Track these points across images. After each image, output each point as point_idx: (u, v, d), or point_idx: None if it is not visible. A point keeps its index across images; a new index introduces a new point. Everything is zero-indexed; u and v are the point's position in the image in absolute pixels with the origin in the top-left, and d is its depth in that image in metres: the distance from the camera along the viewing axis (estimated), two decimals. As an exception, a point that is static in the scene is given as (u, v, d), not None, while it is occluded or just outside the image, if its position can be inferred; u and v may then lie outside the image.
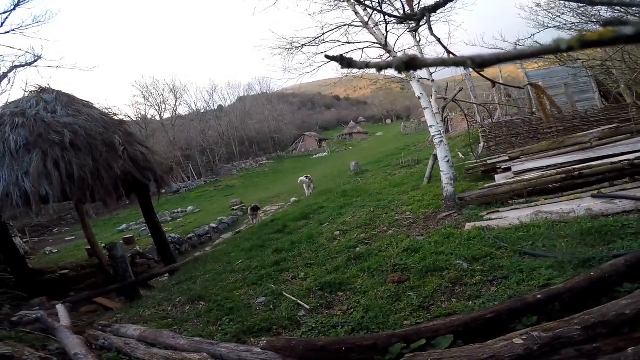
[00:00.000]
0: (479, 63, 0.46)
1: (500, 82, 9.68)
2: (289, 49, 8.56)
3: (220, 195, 22.98)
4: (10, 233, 7.06)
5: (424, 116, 7.52)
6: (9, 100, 7.07)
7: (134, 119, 33.10)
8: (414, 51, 8.11)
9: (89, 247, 8.01)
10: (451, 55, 1.47)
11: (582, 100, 12.86)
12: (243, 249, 6.33)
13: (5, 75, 11.31)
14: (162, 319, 3.86)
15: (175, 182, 27.39)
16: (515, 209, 4.98)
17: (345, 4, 7.76)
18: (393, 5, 7.74)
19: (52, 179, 5.25)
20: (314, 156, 39.07)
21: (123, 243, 7.95)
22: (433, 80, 9.28)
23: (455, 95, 9.43)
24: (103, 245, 8.06)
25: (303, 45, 8.38)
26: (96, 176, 5.65)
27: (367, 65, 0.62)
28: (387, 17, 6.30)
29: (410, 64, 0.49)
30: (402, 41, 17.36)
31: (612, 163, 5.15)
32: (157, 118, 38.13)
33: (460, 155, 12.19)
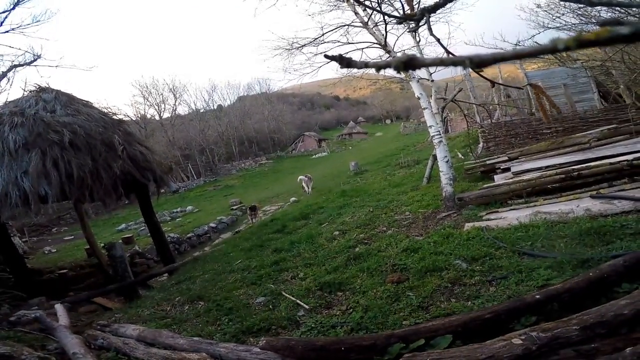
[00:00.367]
0: (477, 63, 0.46)
1: (500, 82, 9.69)
2: (289, 49, 8.57)
3: (220, 195, 22.95)
4: (9, 233, 7.04)
5: (424, 116, 7.52)
6: (8, 100, 7.06)
7: (133, 119, 33.08)
8: (413, 51, 8.11)
9: (88, 246, 8.00)
10: (450, 56, 1.47)
11: (582, 101, 12.88)
12: (242, 248, 6.34)
13: (4, 74, 11.30)
14: (161, 319, 3.86)
15: (175, 182, 27.37)
16: (514, 209, 4.99)
17: (345, 4, 7.76)
18: (392, 5, 7.75)
19: (51, 179, 5.25)
20: (314, 156, 39.06)
21: (122, 243, 7.94)
22: (432, 81, 9.28)
23: (455, 96, 9.44)
24: (102, 244, 8.05)
25: (303, 45, 8.39)
26: (95, 176, 5.64)
27: (366, 65, 0.62)
28: (386, 17, 6.31)
29: (409, 63, 0.50)
30: (402, 41, 17.41)
31: (611, 163, 5.16)
32: (157, 118, 38.10)
33: (460, 156, 12.20)
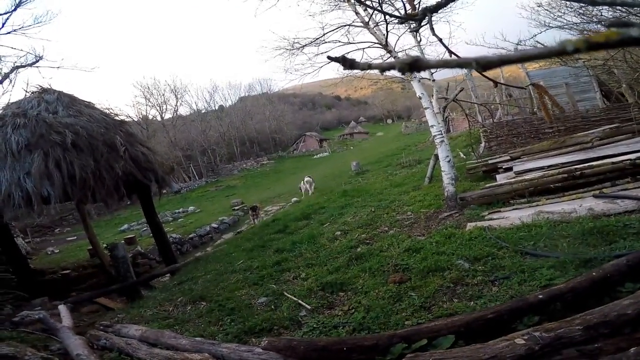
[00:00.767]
0: (484, 65, 0.45)
1: (502, 82, 9.67)
2: (290, 49, 8.57)
3: (221, 195, 22.98)
4: (12, 233, 7.07)
5: (425, 116, 7.51)
6: (11, 101, 7.09)
7: (135, 120, 33.12)
8: (414, 51, 8.11)
9: (91, 247, 8.04)
10: (453, 56, 1.46)
11: (584, 100, 12.83)
12: (244, 249, 6.34)
13: (6, 75, 11.34)
14: (163, 319, 3.87)
15: (177, 182, 27.41)
16: (517, 208, 4.97)
17: (346, 4, 7.76)
18: (393, 5, 7.74)
19: (53, 180, 5.27)
20: (315, 156, 39.05)
21: (124, 243, 7.96)
22: (434, 80, 9.27)
23: (456, 95, 9.43)
24: (104, 245, 8.08)
25: (304, 45, 8.39)
26: (97, 176, 5.66)
27: (369, 66, 0.61)
28: (388, 17, 6.30)
29: (413, 65, 0.49)
30: (403, 41, 17.43)
31: (613, 163, 5.14)
32: (158, 118, 38.12)
33: (462, 155, 12.17)
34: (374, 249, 4.53)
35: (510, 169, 7.14)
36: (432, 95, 8.65)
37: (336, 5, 8.03)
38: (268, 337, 2.84)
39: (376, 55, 9.95)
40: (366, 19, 7.25)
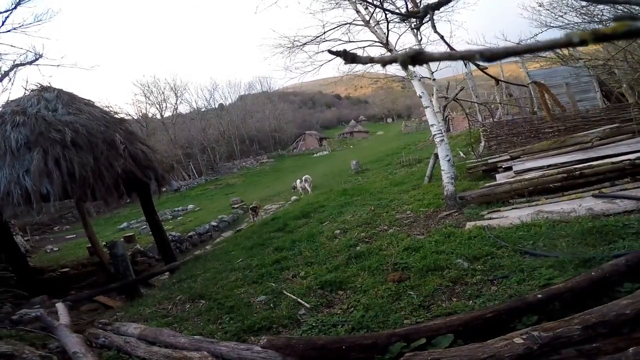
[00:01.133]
0: (488, 57, 0.45)
1: (504, 80, 9.64)
2: (290, 47, 8.55)
3: (221, 193, 22.98)
4: (11, 231, 7.07)
5: (425, 115, 7.51)
6: (10, 99, 7.08)
7: (135, 118, 33.17)
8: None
9: (90, 245, 8.03)
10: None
11: (584, 100, 12.82)
12: (243, 247, 6.34)
13: (6, 73, 11.32)
14: (162, 318, 3.87)
15: (176, 181, 27.40)
16: (516, 208, 4.98)
17: (347, 2, 7.74)
18: (394, 4, 7.72)
19: (53, 177, 5.26)
20: (315, 155, 39.04)
21: (124, 241, 7.95)
22: (434, 79, 9.26)
23: (457, 94, 9.42)
24: (104, 243, 8.08)
25: (304, 43, 8.37)
26: (97, 174, 5.65)
27: (371, 60, 0.60)
28: (389, 14, 6.27)
29: (416, 58, 0.48)
30: (403, 40, 17.40)
31: (613, 163, 5.14)
32: (158, 116, 38.12)
33: (461, 155, 12.17)
34: (373, 248, 4.53)
35: (509, 168, 7.14)
36: (432, 94, 8.64)
37: (337, 4, 8.02)
38: (267, 335, 2.83)
39: (376, 54, 9.93)
40: (367, 18, 7.23)
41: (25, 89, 6.84)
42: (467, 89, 13.89)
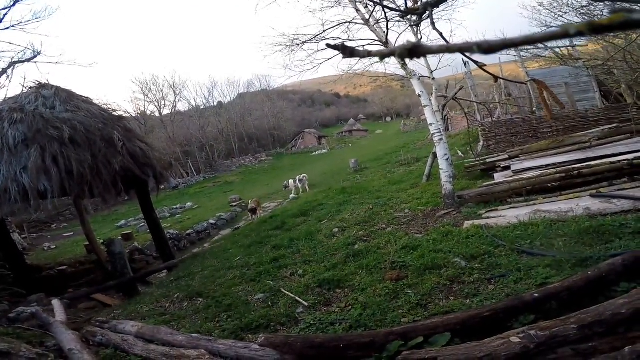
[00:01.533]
0: (486, 49, 0.44)
1: (503, 77, 9.65)
2: (289, 45, 8.53)
3: (219, 191, 22.95)
4: (8, 229, 7.04)
5: (424, 114, 7.51)
6: (8, 96, 7.04)
7: (133, 115, 33.07)
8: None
9: (88, 243, 8.01)
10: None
11: (583, 100, 12.84)
12: (242, 245, 6.34)
13: (4, 71, 11.27)
14: (160, 316, 3.86)
15: (174, 178, 27.36)
16: (514, 207, 4.99)
17: (347, 0, 7.72)
18: (395, 3, 7.70)
19: (50, 175, 5.24)
20: (314, 153, 39.04)
21: (121, 239, 7.94)
22: (434, 78, 9.26)
23: (456, 94, 9.42)
24: (101, 241, 8.06)
25: (304, 42, 8.36)
26: (95, 172, 5.63)
27: (369, 53, 0.60)
28: (389, 12, 6.25)
29: (414, 50, 0.48)
30: (403, 39, 17.30)
31: (611, 163, 5.15)
32: (157, 114, 37.98)
33: (460, 154, 12.19)
34: (372, 246, 4.53)
35: (508, 167, 7.16)
36: (432, 94, 8.64)
37: (337, 2, 8.00)
38: (265, 333, 2.84)
39: (376, 52, 9.89)
40: (366, 16, 7.22)
41: (23, 87, 6.84)
42: (466, 89, 13.89)
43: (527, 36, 0.45)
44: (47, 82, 6.72)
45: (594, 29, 0.39)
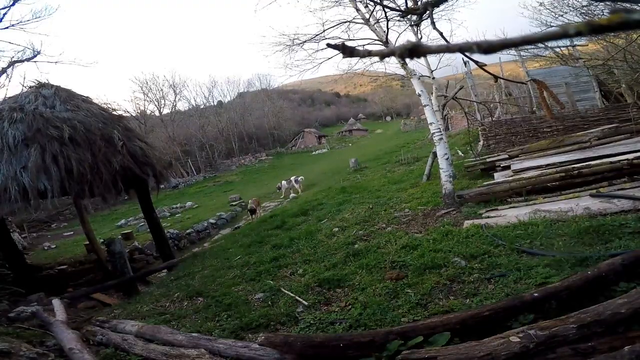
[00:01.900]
0: (485, 48, 0.44)
1: (503, 77, 9.64)
2: (289, 45, 8.53)
3: (219, 191, 22.94)
4: (8, 228, 7.04)
5: (424, 114, 7.50)
6: (8, 96, 7.04)
7: (133, 114, 33.04)
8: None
9: (87, 242, 8.01)
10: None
11: (583, 100, 12.83)
12: (242, 244, 6.34)
13: (4, 70, 11.25)
14: (160, 315, 3.86)
15: (174, 178, 27.35)
16: (514, 207, 4.99)
17: (347, 0, 7.71)
18: (395, 2, 7.70)
19: (50, 174, 5.24)
20: (314, 153, 39.04)
21: (121, 238, 7.94)
22: (434, 78, 9.25)
23: (456, 93, 9.41)
24: (101, 240, 8.06)
25: (304, 41, 8.35)
26: (95, 171, 5.63)
27: (369, 53, 0.60)
28: (389, 12, 6.25)
29: (414, 50, 0.48)
30: (403, 38, 17.29)
31: (611, 162, 5.16)
32: (157, 113, 37.96)
33: (460, 153, 12.19)
34: (372, 246, 4.53)
35: (508, 167, 7.16)
36: (432, 93, 8.63)
37: (337, 2, 7.99)
38: (265, 333, 2.84)
39: (376, 52, 9.89)
40: (367, 16, 7.21)
41: (23, 86, 6.83)
42: (466, 88, 13.88)
43: (526, 36, 0.45)
44: (47, 82, 6.72)
45: (593, 29, 0.39)
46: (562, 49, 13.17)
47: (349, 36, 8.09)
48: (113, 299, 6.05)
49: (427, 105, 6.61)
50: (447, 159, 6.36)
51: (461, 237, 4.07)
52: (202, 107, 44.95)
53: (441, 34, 1.62)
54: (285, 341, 2.33)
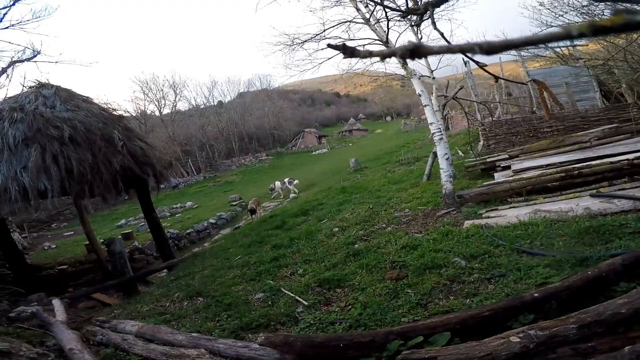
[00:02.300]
0: (487, 49, 0.44)
1: (504, 77, 9.64)
2: (290, 45, 8.52)
3: (219, 190, 22.94)
4: (8, 228, 7.04)
5: (424, 114, 7.50)
6: (8, 96, 7.04)
7: (134, 114, 33.06)
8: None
9: (88, 242, 8.01)
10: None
11: (583, 100, 12.82)
12: (242, 244, 6.34)
13: (4, 70, 11.24)
14: (160, 315, 3.86)
15: (175, 178, 27.35)
16: (514, 207, 4.99)
17: (347, 0, 7.71)
18: (395, 2, 7.69)
19: (50, 174, 5.24)
20: (314, 153, 39.04)
21: (121, 238, 7.94)
22: (434, 78, 9.25)
23: (456, 93, 9.41)
24: (101, 240, 8.06)
25: (304, 41, 8.34)
26: (95, 171, 5.63)
27: (370, 53, 0.60)
28: (389, 12, 6.25)
29: (415, 51, 0.48)
30: (403, 39, 17.29)
31: (611, 162, 5.15)
32: (157, 113, 37.95)
33: (460, 154, 12.18)
34: (372, 246, 4.53)
35: (508, 167, 7.16)
36: (432, 93, 8.63)
37: (337, 1, 7.99)
38: (265, 333, 2.84)
39: (376, 52, 9.89)
40: (367, 16, 7.21)
41: (23, 86, 6.82)
42: (466, 88, 13.87)
43: (528, 37, 0.45)
44: (47, 82, 6.72)
45: (595, 31, 0.39)
46: (563, 49, 13.18)
47: (349, 36, 8.09)
48: (113, 299, 6.06)
49: (427, 105, 6.61)
50: (447, 158, 6.35)
51: (461, 237, 4.07)
52: (202, 107, 44.97)
53: (442, 34, 1.62)
54: (286, 341, 2.33)
